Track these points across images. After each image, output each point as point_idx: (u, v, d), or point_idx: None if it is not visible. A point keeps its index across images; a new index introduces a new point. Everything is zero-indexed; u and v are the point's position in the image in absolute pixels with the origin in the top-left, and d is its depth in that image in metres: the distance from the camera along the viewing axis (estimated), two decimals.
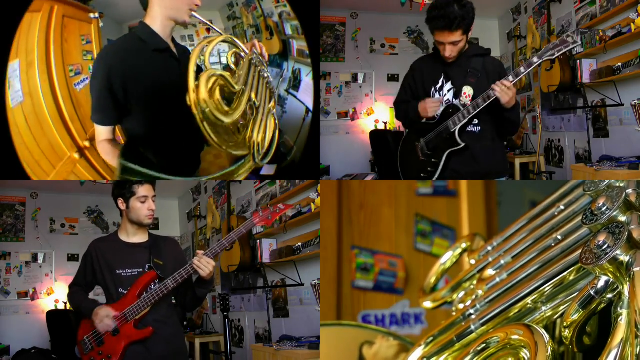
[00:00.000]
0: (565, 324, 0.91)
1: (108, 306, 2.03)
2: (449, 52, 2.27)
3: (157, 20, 1.81)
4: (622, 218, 0.90)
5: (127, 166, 1.57)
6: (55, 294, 6.08)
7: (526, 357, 0.91)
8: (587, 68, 3.86)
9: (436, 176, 2.38)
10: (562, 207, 1.19)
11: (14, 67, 2.34)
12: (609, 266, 0.82)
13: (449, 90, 2.37)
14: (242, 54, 1.80)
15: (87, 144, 2.79)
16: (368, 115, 6.11)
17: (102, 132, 1.83)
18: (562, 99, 4.49)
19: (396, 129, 5.70)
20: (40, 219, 6.26)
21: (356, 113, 6.10)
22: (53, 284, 6.13)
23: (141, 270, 2.09)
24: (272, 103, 1.92)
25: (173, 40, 1.91)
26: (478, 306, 1.14)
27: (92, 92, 1.77)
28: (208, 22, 2.00)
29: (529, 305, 1.02)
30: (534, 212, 1.28)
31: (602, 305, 0.87)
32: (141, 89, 1.74)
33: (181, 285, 2.04)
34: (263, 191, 4.73)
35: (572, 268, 0.96)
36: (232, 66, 1.76)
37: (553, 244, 1.09)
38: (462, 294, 1.35)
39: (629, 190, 0.95)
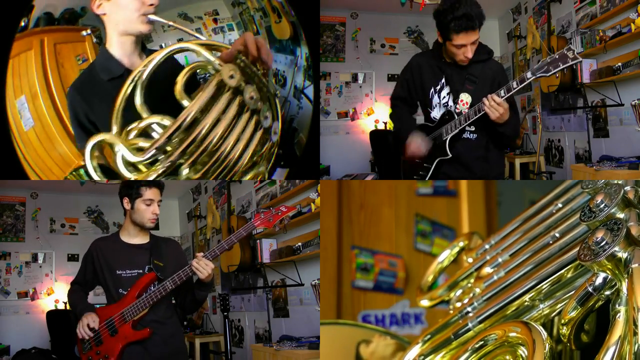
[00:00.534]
0: (563, 322, 0.91)
1: (96, 314, 2.03)
2: (470, 52, 2.16)
3: (112, 41, 1.64)
4: (620, 215, 0.90)
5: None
6: (55, 294, 6.08)
7: (524, 355, 0.91)
8: (587, 68, 3.85)
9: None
10: (559, 205, 1.19)
11: (21, 101, 2.68)
12: (607, 263, 0.82)
13: (447, 94, 2.34)
14: (211, 71, 1.39)
15: None
16: (368, 115, 6.11)
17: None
18: (562, 99, 4.48)
19: None
20: (40, 219, 6.26)
21: (356, 113, 6.11)
22: (53, 284, 6.13)
23: (141, 271, 2.09)
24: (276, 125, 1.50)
25: (144, 50, 1.72)
26: (475, 304, 1.14)
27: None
28: (173, 23, 1.68)
29: (526, 303, 1.02)
30: (532, 210, 1.28)
31: (600, 303, 0.86)
32: (104, 120, 1.58)
33: (181, 287, 2.03)
34: (263, 191, 4.72)
35: (570, 265, 0.96)
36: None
37: (551, 242, 1.09)
38: (459, 292, 1.35)
39: (627, 188, 0.95)
